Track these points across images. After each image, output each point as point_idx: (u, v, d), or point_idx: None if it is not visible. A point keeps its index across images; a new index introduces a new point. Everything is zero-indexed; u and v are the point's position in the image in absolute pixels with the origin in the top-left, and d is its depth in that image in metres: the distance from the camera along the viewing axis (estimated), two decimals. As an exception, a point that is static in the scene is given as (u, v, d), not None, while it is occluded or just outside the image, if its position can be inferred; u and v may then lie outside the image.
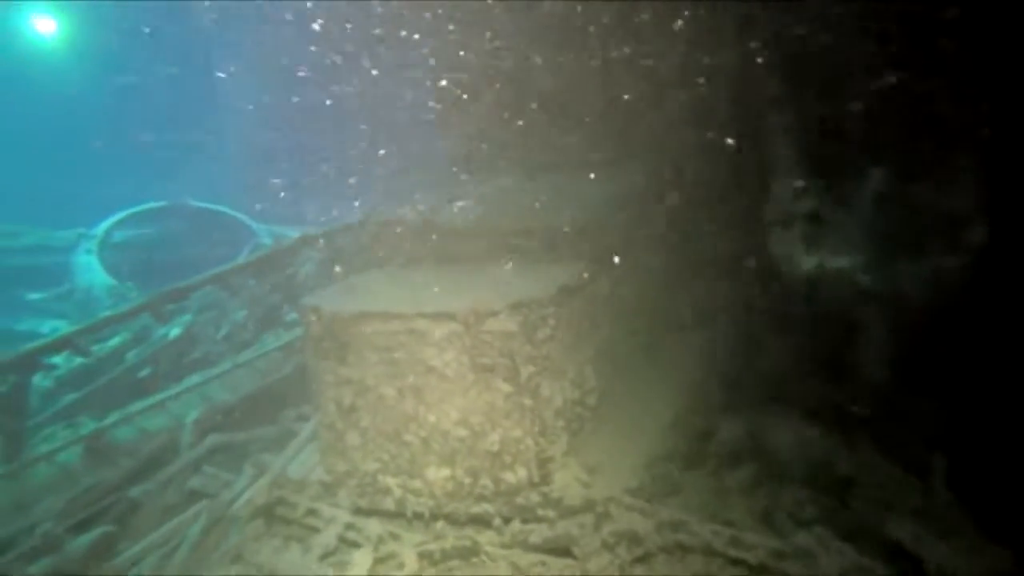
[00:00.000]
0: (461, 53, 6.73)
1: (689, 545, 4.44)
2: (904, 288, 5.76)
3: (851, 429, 5.53)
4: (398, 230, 5.83)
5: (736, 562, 4.34)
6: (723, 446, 6.19)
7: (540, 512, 4.71)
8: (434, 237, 5.60)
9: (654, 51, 6.28)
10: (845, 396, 6.17)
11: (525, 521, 4.72)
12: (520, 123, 6.60)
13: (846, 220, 6.20)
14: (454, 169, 6.64)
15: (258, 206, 15.57)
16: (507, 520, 4.73)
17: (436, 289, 5.13)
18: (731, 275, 6.63)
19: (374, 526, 4.80)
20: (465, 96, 6.64)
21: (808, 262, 6.41)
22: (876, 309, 5.91)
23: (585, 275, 5.46)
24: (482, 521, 4.76)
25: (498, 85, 6.51)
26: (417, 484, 4.89)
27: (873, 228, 5.98)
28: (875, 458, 5.16)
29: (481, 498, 4.83)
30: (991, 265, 5.17)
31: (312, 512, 5.01)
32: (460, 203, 5.59)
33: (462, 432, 4.81)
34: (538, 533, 4.63)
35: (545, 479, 4.83)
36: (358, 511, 4.98)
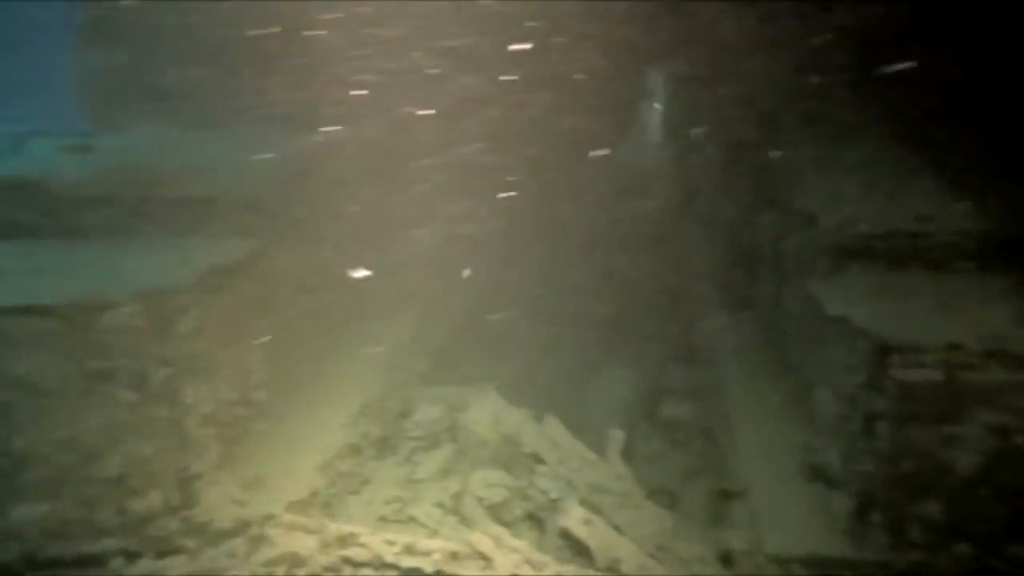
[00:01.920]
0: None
1: (359, 560, 3.93)
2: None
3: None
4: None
5: (411, 571, 3.93)
6: (420, 427, 5.81)
7: (180, 542, 3.87)
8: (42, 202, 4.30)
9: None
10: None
11: (161, 555, 3.85)
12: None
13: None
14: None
15: None
16: (133, 556, 3.81)
17: (31, 273, 3.91)
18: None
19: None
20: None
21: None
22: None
23: (249, 251, 4.60)
24: (96, 562, 3.78)
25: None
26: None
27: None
28: (560, 433, 5.08)
29: (101, 533, 3.84)
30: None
31: None
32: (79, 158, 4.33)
33: (68, 458, 3.74)
34: (177, 567, 3.79)
35: (188, 502, 3.97)
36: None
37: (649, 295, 6.19)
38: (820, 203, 4.11)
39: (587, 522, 3.93)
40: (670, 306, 6.27)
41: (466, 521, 4.76)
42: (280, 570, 3.78)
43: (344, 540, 3.92)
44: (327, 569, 3.84)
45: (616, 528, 4.34)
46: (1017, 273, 3.76)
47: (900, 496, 3.46)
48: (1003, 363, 3.24)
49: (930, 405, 3.33)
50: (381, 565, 3.90)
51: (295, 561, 3.84)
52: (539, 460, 5.02)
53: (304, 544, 3.88)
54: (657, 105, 6.24)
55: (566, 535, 3.95)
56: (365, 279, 5.55)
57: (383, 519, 4.75)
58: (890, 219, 3.94)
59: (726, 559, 4.04)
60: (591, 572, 3.80)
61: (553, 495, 4.78)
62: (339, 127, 5.40)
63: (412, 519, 4.66)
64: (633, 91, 6.08)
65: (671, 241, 5.98)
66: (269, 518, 3.96)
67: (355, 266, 5.47)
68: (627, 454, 5.59)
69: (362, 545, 3.93)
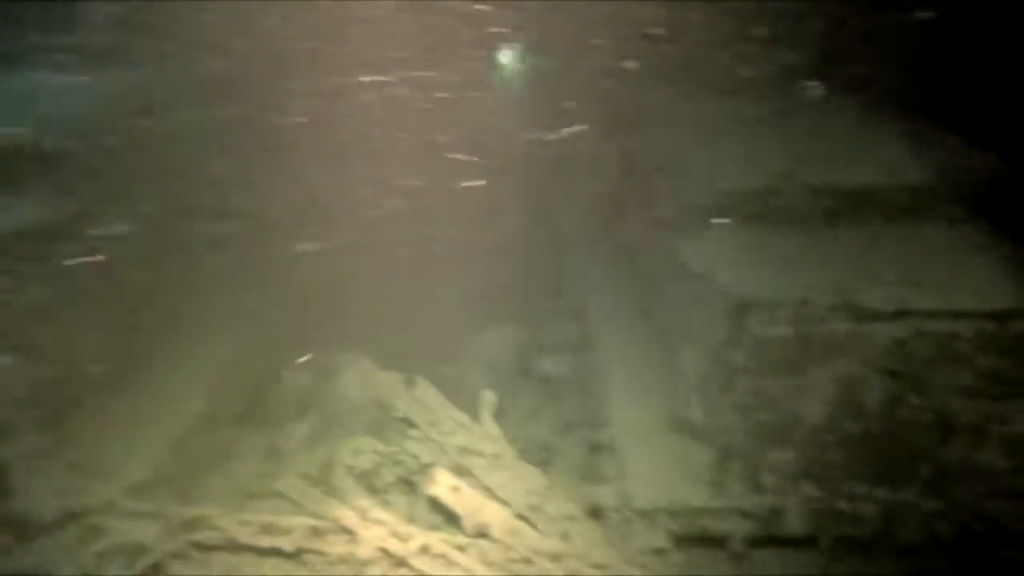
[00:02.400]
0: None
1: (211, 544, 3.64)
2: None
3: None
4: None
5: (269, 552, 3.69)
6: (286, 395, 5.50)
7: (-4, 540, 3.43)
8: None
9: None
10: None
11: (-28, 556, 3.40)
12: None
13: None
14: None
15: None
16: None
17: None
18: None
19: None
20: None
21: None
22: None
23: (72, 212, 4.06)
24: None
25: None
26: None
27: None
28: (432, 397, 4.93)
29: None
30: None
31: None
32: None
33: None
34: (-5, 569, 3.36)
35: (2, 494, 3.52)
36: None
37: (523, 255, 6.09)
38: (686, 162, 4.10)
39: (455, 489, 3.83)
40: (543, 265, 6.21)
41: (334, 492, 4.55)
42: (116, 562, 3.44)
43: (192, 524, 3.62)
44: (173, 556, 3.54)
45: (487, 490, 4.28)
46: (865, 227, 3.92)
47: (755, 445, 3.57)
48: (848, 316, 3.36)
49: (783, 359, 3.42)
50: (236, 547, 3.65)
51: (135, 551, 3.51)
52: (410, 425, 4.87)
53: (145, 531, 3.56)
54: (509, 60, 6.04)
55: (434, 503, 3.84)
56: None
57: (245, 494, 4.46)
58: (751, 177, 3.99)
59: (595, 514, 4.08)
60: (460, 539, 3.72)
61: (425, 459, 4.65)
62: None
63: (276, 493, 4.39)
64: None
65: (543, 201, 5.87)
66: (105, 505, 3.59)
67: (199, 223, 5.01)
68: (503, 412, 5.54)
69: (214, 528, 3.65)
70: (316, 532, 3.71)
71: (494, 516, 3.78)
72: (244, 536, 3.64)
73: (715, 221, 3.65)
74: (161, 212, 5.19)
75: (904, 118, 4.51)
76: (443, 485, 3.87)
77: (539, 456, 5.44)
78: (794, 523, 3.64)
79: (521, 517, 3.99)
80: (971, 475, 3.46)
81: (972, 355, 3.32)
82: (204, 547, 3.61)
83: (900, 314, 3.30)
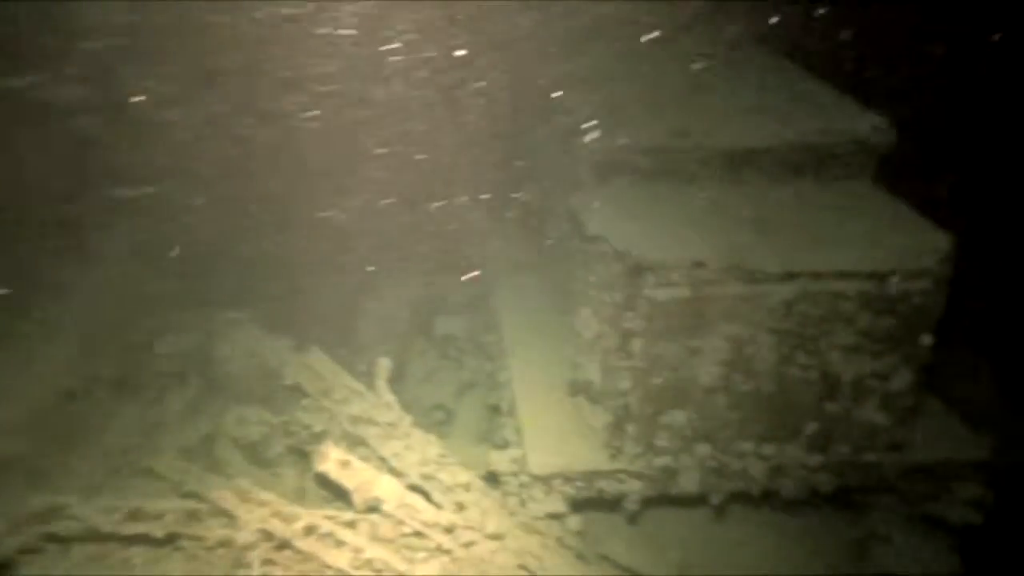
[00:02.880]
0: None
1: (69, 534, 3.32)
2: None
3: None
4: None
5: (137, 540, 3.41)
6: (163, 362, 5.11)
7: None
8: None
9: None
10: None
11: None
12: None
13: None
14: None
15: None
16: None
17: None
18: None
19: None
20: None
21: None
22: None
23: None
24: None
25: None
26: None
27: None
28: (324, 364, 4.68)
29: None
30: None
31: None
32: None
33: None
34: None
35: None
36: None
37: (419, 213, 5.84)
38: (582, 116, 3.93)
39: (345, 464, 3.64)
40: (441, 224, 5.99)
41: (217, 466, 4.28)
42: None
43: (44, 514, 3.28)
44: (22, 551, 3.20)
45: (381, 460, 4.12)
46: (757, 187, 3.90)
47: (651, 408, 3.56)
48: (740, 277, 3.34)
49: (678, 321, 3.38)
50: (98, 537, 3.34)
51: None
52: (301, 393, 4.62)
53: (-7, 524, 3.19)
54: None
55: (323, 479, 3.64)
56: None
57: (113, 475, 4.12)
58: (648, 134, 3.88)
59: (491, 481, 4.00)
60: (349, 516, 3.55)
61: (317, 429, 4.44)
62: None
63: (149, 472, 4.08)
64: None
65: (441, 159, 5.61)
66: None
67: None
68: (402, 374, 5.36)
69: (72, 517, 3.32)
70: (191, 515, 3.45)
71: (386, 489, 3.63)
72: (108, 524, 3.33)
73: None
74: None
75: (797, 77, 4.50)
76: (332, 460, 3.67)
77: (436, 420, 5.33)
78: (687, 482, 3.68)
79: (415, 488, 3.86)
80: (852, 430, 3.57)
81: (855, 314, 3.37)
82: (60, 539, 3.28)
83: (789, 276, 3.31)
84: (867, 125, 3.94)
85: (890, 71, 4.78)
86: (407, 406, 5.32)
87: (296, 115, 5.56)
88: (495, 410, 4.68)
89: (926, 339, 3.41)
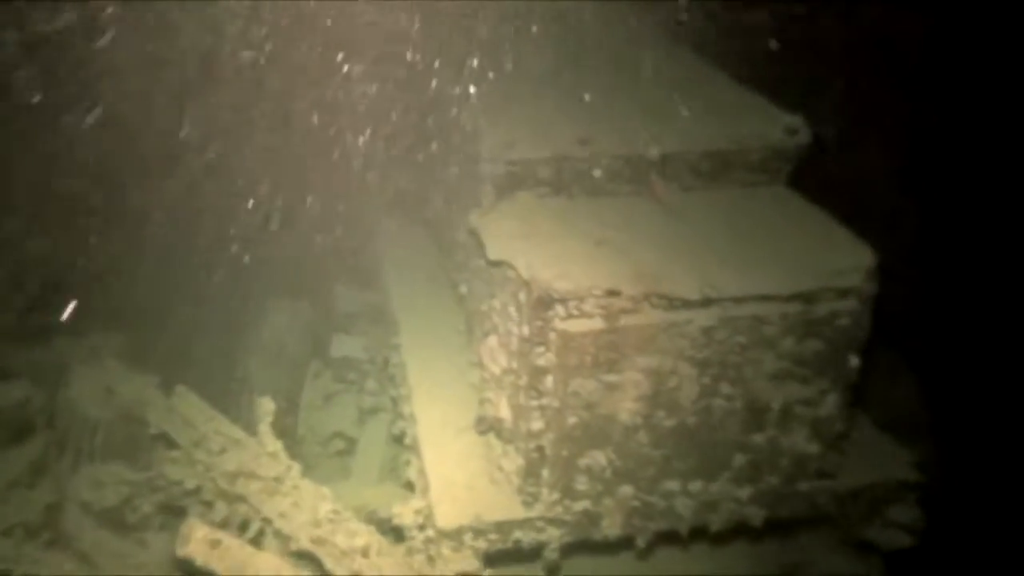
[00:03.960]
0: None
1: None
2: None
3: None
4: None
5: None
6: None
7: None
8: None
9: None
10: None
11: None
12: None
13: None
14: None
15: None
16: None
17: None
18: None
19: None
20: None
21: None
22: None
23: None
24: None
25: None
26: None
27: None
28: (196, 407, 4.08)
29: None
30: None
31: None
32: None
33: None
34: None
35: None
36: None
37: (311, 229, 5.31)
38: (480, 125, 3.50)
39: (214, 544, 3.09)
40: (338, 240, 5.49)
41: (65, 540, 3.64)
42: None
43: None
44: None
45: (266, 521, 3.60)
46: (667, 199, 3.59)
47: (567, 449, 3.19)
48: (658, 305, 3.01)
49: (592, 355, 3.02)
50: None
51: None
52: (170, 444, 4.02)
53: None
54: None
55: (187, 565, 3.08)
56: None
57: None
58: (550, 143, 3.48)
59: (397, 535, 3.56)
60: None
61: (189, 486, 3.86)
62: None
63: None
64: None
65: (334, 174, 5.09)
66: None
67: None
68: (295, 402, 4.83)
69: None
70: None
71: (265, 566, 3.11)
72: None
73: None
74: None
75: (709, 77, 4.20)
76: (197, 541, 3.11)
77: (335, 451, 4.87)
78: (610, 526, 3.35)
79: (304, 555, 3.37)
80: (781, 460, 3.33)
81: (779, 339, 3.11)
82: None
83: (708, 301, 3.00)
84: (780, 127, 3.68)
85: (803, 67, 4.60)
86: (303, 437, 4.82)
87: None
88: (400, 440, 4.24)
89: (854, 361, 3.19)
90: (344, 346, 5.07)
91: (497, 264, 3.22)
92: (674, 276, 3.05)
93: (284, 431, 4.25)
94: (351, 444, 4.94)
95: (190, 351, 5.14)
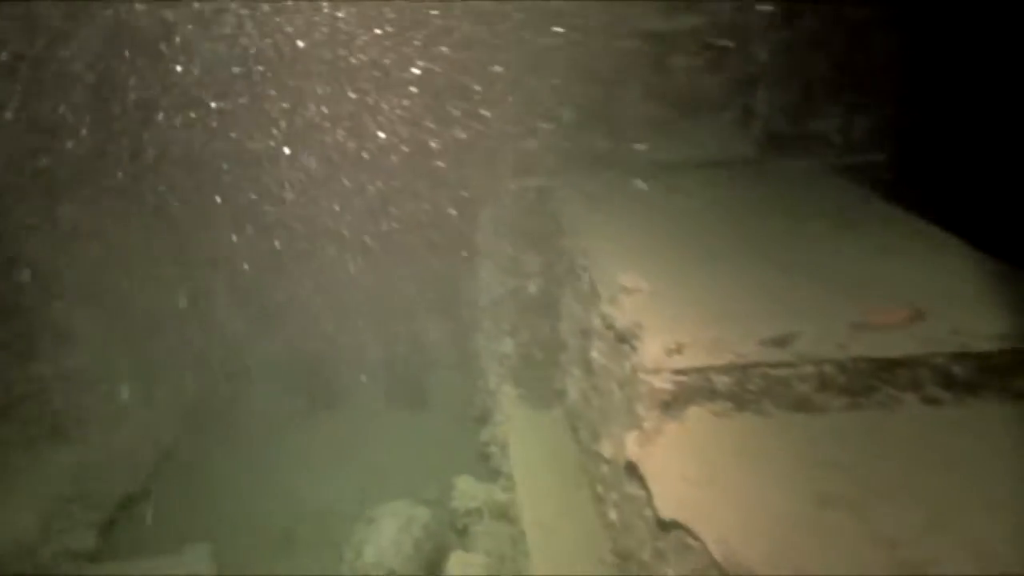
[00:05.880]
0: None
1: None
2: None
3: None
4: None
5: None
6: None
7: None
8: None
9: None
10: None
11: None
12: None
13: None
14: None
15: None
16: None
17: None
18: None
19: None
20: None
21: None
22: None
23: None
24: None
25: None
26: None
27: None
28: None
29: None
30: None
31: None
32: None
33: None
34: None
35: None
36: None
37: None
38: (639, 322, 2.68)
39: None
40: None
41: None
42: None
43: None
44: None
45: None
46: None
47: None
48: None
49: None
50: None
51: None
52: None
53: None
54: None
55: None
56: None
57: None
58: (731, 345, 2.58)
59: None
60: None
61: None
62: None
63: None
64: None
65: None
66: None
67: None
68: None
69: None
70: None
71: None
72: None
73: None
74: None
75: (930, 243, 3.21)
76: None
77: None
78: None
79: None
80: None
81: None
82: None
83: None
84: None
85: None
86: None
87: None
88: None
89: None
90: (462, 565, 4.14)
91: (671, 527, 2.27)
92: (951, 559, 1.97)
93: None
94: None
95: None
